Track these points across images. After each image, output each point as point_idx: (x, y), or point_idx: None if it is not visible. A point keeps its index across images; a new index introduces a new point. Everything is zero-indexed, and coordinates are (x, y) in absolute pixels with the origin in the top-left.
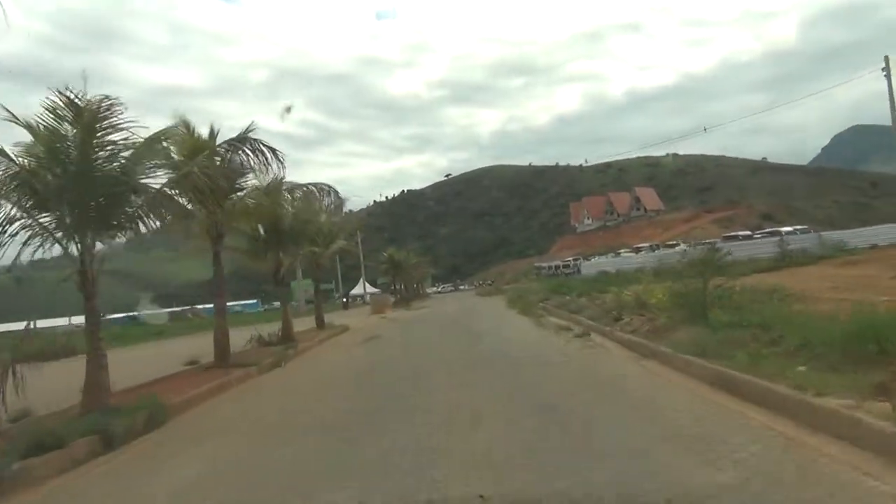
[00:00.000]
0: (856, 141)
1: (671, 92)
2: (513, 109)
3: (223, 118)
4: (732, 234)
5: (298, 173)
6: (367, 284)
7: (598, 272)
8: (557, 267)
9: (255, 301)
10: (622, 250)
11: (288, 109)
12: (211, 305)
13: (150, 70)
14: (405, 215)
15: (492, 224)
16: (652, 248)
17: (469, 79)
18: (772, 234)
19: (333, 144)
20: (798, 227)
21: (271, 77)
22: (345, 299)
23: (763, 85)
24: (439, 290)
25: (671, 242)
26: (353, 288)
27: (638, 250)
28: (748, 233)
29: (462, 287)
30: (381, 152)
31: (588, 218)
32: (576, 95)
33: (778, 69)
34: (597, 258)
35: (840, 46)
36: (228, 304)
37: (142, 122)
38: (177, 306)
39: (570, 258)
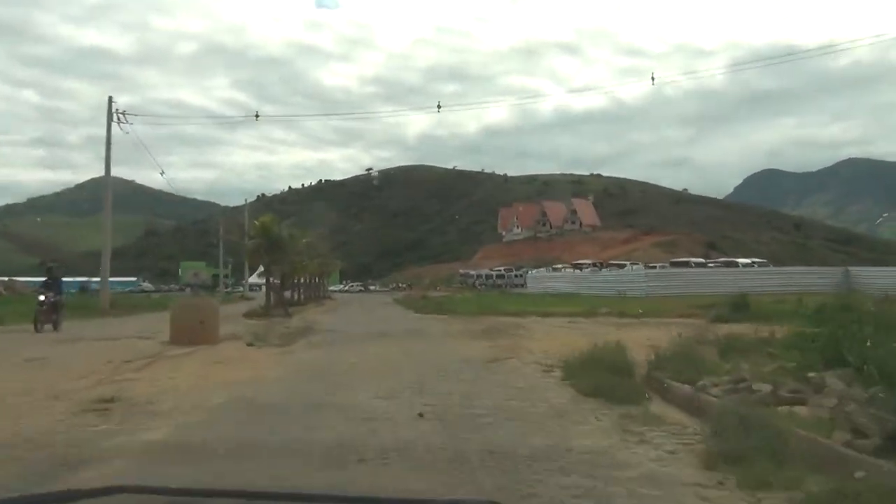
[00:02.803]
0: (768, 183)
1: (599, 115)
2: (443, 114)
3: (147, 88)
4: (682, 259)
5: (223, 153)
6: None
7: (544, 288)
8: (489, 277)
9: (135, 279)
10: (559, 265)
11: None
12: None
13: (76, 30)
14: (321, 206)
15: (409, 224)
16: (597, 266)
17: (403, 79)
18: (727, 264)
19: (258, 128)
20: (756, 259)
21: (200, 51)
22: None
23: (688, 121)
24: (346, 288)
25: (617, 262)
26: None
27: (578, 267)
28: (700, 260)
29: (373, 287)
30: (307, 141)
31: (517, 226)
32: (506, 108)
33: (703, 106)
34: (536, 271)
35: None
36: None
37: (60, 85)
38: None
39: (502, 268)
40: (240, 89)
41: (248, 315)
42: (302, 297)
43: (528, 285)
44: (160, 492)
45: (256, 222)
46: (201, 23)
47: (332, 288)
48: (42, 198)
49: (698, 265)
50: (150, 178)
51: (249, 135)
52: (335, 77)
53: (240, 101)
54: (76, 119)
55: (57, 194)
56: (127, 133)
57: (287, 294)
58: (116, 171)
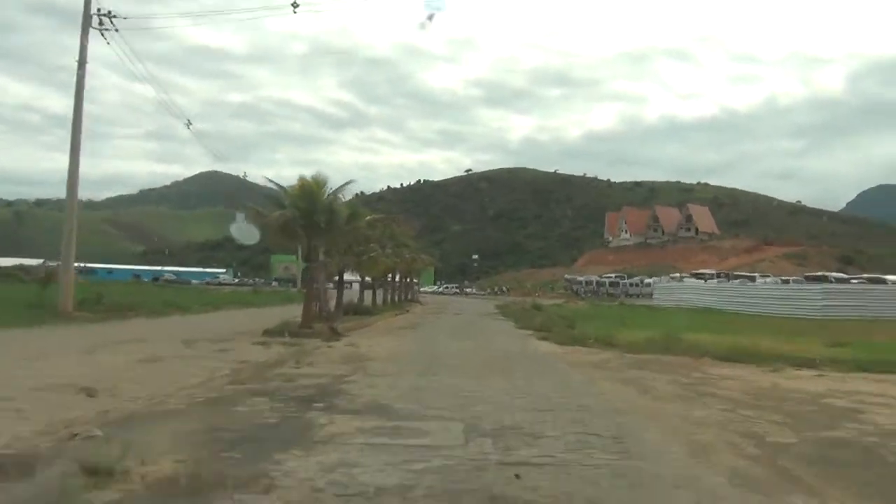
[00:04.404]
0: (885, 198)
1: (708, 123)
2: (546, 119)
3: (256, 86)
4: (818, 274)
5: (328, 151)
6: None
7: (677, 301)
8: (600, 284)
9: (224, 270)
10: (677, 274)
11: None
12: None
13: (191, 29)
14: (419, 205)
15: (508, 227)
16: (725, 277)
17: (507, 82)
18: (872, 280)
19: (363, 128)
20: None
21: (310, 51)
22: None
23: (800, 131)
24: (441, 289)
25: (744, 273)
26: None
27: (700, 277)
28: (841, 275)
29: (469, 290)
30: (409, 143)
31: (626, 231)
32: (611, 113)
33: (818, 116)
34: (654, 280)
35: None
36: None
37: (174, 81)
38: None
39: (613, 274)
40: (347, 89)
41: (271, 333)
42: (388, 298)
43: (656, 296)
44: None
45: (295, 186)
46: (313, 23)
47: (424, 289)
48: (153, 190)
49: (839, 280)
50: (257, 174)
51: (355, 135)
52: (440, 78)
53: (348, 101)
54: (189, 115)
55: (167, 186)
56: (108, 43)
57: (351, 298)
58: (226, 168)
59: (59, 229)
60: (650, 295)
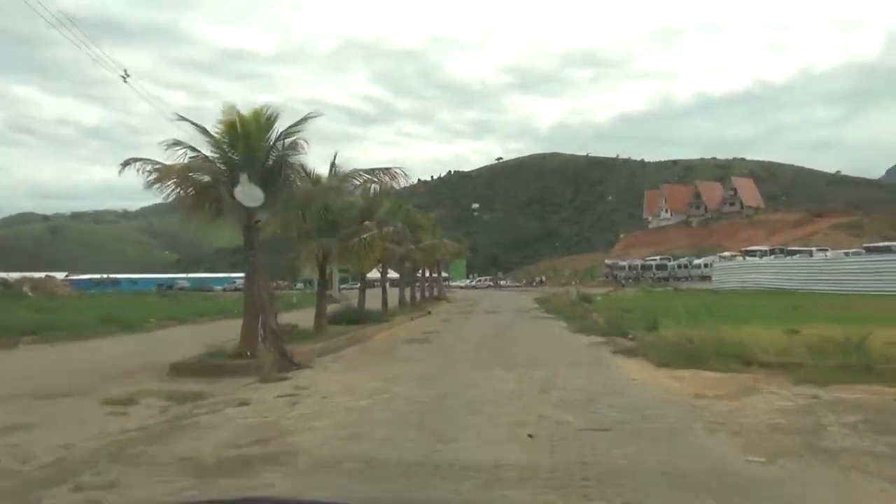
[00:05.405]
0: None
1: (741, 97)
2: (575, 101)
3: (287, 86)
4: (880, 244)
5: (357, 149)
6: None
7: (741, 282)
8: (646, 268)
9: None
10: (728, 253)
11: None
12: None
13: (219, 31)
14: (450, 196)
15: (540, 214)
16: (781, 252)
17: (537, 66)
18: None
19: (393, 123)
20: None
21: (338, 47)
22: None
23: (838, 99)
24: (473, 283)
25: (802, 248)
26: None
27: (750, 254)
28: None
29: (503, 282)
30: (440, 135)
31: (666, 210)
32: (643, 93)
33: (855, 82)
34: (717, 260)
35: None
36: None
37: (207, 85)
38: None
39: (658, 257)
40: (376, 84)
41: (181, 368)
42: (403, 297)
43: (716, 279)
44: None
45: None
46: (338, 20)
47: (456, 283)
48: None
49: None
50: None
51: (385, 130)
52: (469, 67)
53: (377, 96)
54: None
55: None
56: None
57: (351, 300)
58: None
59: (95, 242)
60: (706, 277)
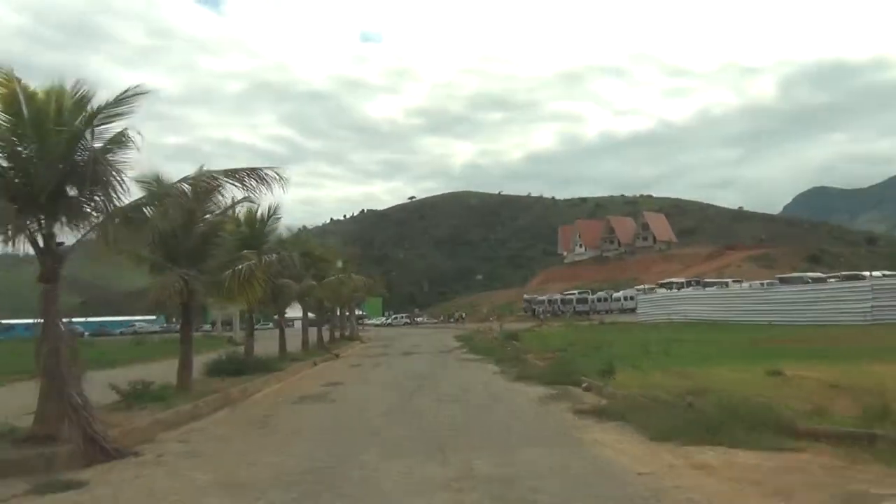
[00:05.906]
0: (818, 201)
1: (645, 138)
2: (487, 143)
3: (195, 127)
4: (792, 275)
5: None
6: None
7: (668, 314)
8: (566, 302)
9: (154, 318)
10: (644, 286)
11: None
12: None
13: (125, 72)
14: (363, 237)
15: (454, 252)
16: (699, 284)
17: (447, 109)
18: (849, 278)
19: (304, 163)
20: (886, 272)
21: (247, 89)
22: None
23: (736, 139)
24: (389, 321)
25: (718, 280)
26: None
27: (667, 286)
28: (818, 275)
29: (420, 319)
30: (352, 175)
31: (580, 245)
32: (551, 134)
33: (752, 125)
34: (638, 291)
35: (813, 108)
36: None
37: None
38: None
39: (576, 291)
40: (286, 125)
41: None
42: (307, 338)
43: (641, 311)
44: None
45: None
46: (248, 62)
47: (371, 322)
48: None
49: (816, 280)
50: None
51: (295, 171)
52: (380, 109)
53: (287, 136)
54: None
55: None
56: None
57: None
58: None
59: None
60: (627, 310)
